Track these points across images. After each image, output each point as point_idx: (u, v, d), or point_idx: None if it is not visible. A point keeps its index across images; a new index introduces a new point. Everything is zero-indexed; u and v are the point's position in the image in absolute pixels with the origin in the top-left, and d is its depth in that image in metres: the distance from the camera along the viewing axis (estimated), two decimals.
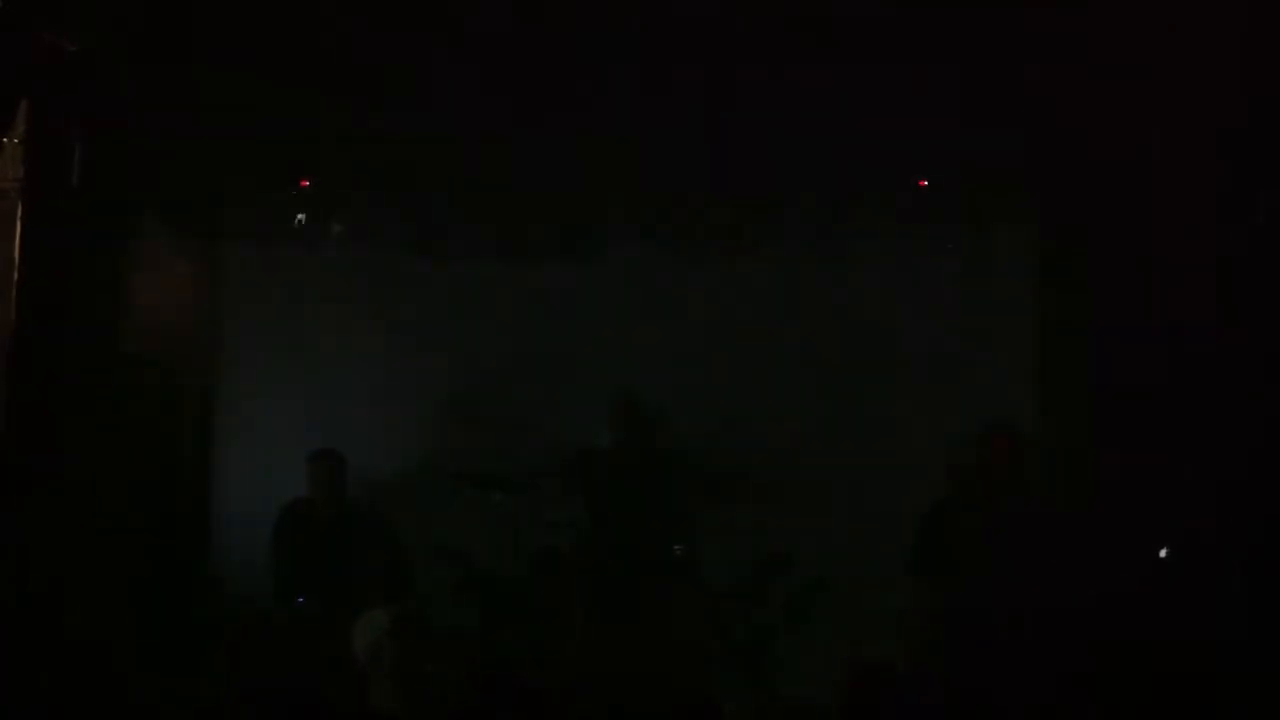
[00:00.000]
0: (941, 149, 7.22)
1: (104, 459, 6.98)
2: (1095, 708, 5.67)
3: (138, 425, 7.56)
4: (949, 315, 7.88)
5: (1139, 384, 6.69)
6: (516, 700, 6.19)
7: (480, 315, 8.30)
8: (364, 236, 8.09)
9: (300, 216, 7.89)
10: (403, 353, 8.30)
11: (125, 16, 6.35)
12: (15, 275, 6.38)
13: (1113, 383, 6.89)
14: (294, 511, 7.32)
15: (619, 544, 7.25)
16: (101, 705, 5.81)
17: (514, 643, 7.26)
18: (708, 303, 8.21)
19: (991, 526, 5.88)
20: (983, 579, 5.81)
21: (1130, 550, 6.29)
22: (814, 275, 8.09)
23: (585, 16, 6.39)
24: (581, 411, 7.76)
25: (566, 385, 8.05)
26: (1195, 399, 6.41)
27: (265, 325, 8.37)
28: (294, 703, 5.56)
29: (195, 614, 7.44)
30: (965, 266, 7.84)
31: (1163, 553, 6.31)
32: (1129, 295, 6.84)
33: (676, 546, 7.25)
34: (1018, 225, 7.72)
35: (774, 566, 7.32)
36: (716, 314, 8.19)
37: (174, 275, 8.05)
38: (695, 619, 7.21)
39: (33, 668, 5.84)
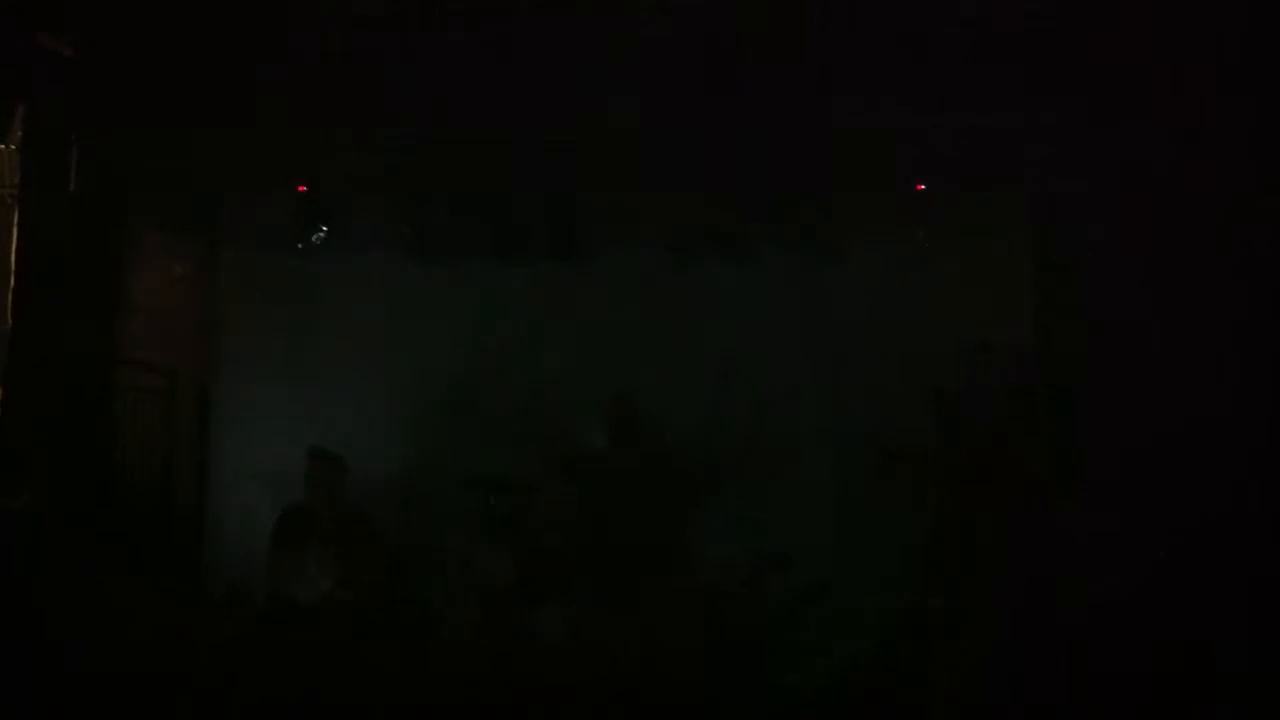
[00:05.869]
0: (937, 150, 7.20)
1: (102, 461, 6.99)
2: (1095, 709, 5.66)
3: (135, 428, 7.56)
4: (943, 316, 7.86)
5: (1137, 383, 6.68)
6: (515, 699, 6.20)
7: (477, 318, 8.30)
8: (361, 239, 8.08)
9: (298, 220, 7.90)
10: (400, 355, 8.29)
11: (122, 20, 6.35)
12: (11, 280, 6.40)
13: (1110, 381, 6.88)
14: (293, 516, 7.32)
15: (615, 545, 7.26)
16: (97, 701, 5.81)
17: (513, 643, 7.26)
18: (702, 304, 8.20)
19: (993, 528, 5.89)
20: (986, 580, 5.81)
21: (1127, 551, 6.29)
22: (807, 276, 8.08)
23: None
24: (578, 413, 7.76)
25: (562, 387, 8.05)
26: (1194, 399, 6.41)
27: (263, 327, 8.37)
28: (291, 704, 5.57)
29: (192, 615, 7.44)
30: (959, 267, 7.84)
31: (1161, 554, 6.31)
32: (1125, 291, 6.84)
33: (671, 547, 7.26)
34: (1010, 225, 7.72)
35: (771, 567, 7.32)
36: (711, 315, 8.18)
37: (171, 279, 8.05)
38: (691, 619, 7.20)
39: (32, 666, 5.83)
